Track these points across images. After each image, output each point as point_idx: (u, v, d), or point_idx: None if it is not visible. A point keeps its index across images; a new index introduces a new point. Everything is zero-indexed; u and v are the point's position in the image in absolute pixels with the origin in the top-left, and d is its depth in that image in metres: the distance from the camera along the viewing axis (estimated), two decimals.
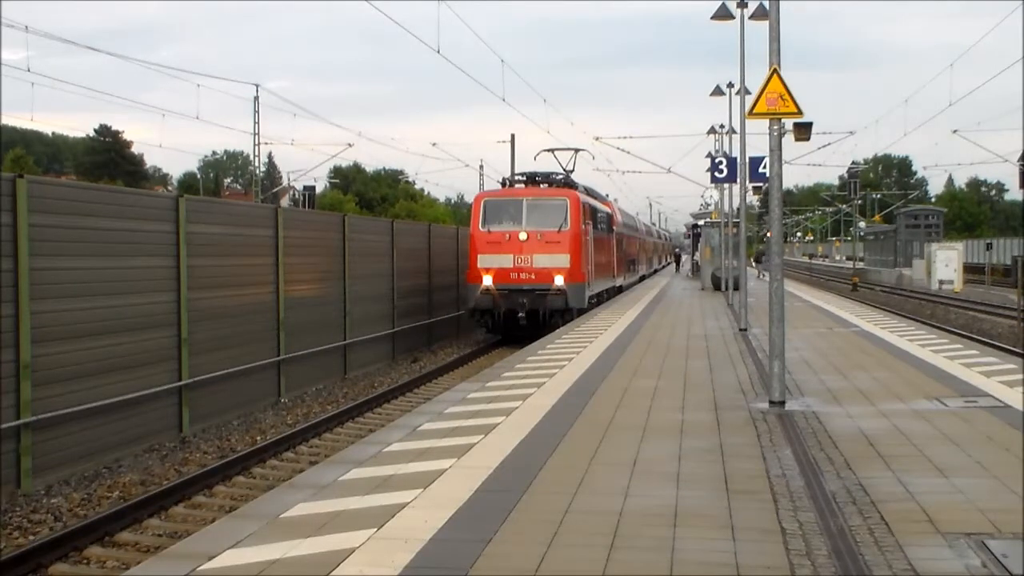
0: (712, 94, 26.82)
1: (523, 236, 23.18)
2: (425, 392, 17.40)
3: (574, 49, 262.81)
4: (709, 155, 31.60)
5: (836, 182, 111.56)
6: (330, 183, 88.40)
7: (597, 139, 41.61)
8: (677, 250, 78.31)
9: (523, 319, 22.95)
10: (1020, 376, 11.38)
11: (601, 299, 28.47)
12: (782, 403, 9.58)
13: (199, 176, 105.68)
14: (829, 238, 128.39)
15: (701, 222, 45.55)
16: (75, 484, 10.53)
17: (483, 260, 23.30)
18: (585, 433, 8.34)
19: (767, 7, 10.78)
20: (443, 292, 26.38)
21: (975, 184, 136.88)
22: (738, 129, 21.76)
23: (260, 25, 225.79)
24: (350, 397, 16.89)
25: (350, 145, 51.12)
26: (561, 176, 26.85)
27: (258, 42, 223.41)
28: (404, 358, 22.52)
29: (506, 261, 23.19)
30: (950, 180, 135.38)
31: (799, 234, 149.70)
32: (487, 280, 23.05)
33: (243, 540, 5.35)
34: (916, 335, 17.23)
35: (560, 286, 22.98)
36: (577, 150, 29.33)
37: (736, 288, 24.14)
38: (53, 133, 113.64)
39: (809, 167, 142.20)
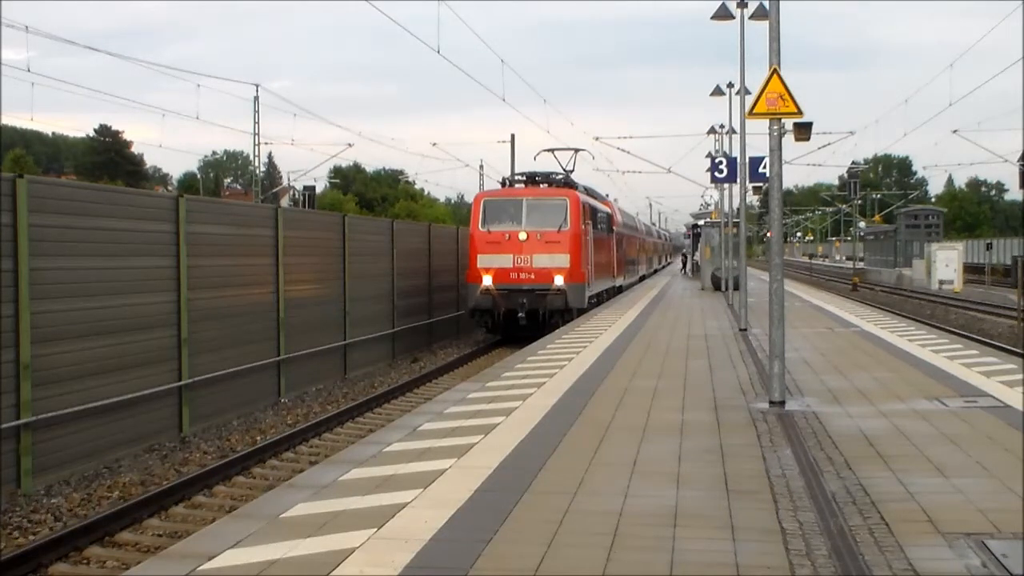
0: (712, 94, 26.84)
1: (523, 236, 23.17)
2: (425, 392, 17.40)
3: (574, 49, 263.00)
4: (709, 155, 31.64)
5: (836, 182, 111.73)
6: (330, 183, 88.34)
7: (597, 139, 41.79)
8: (684, 251, 78.20)
9: (523, 319, 22.94)
10: (1020, 376, 11.37)
11: (601, 299, 28.47)
12: (782, 403, 9.58)
13: (199, 176, 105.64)
14: (829, 238, 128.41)
15: (701, 222, 45.57)
16: (75, 484, 10.52)
17: (483, 260, 23.29)
18: (585, 433, 8.33)
19: (767, 7, 10.79)
20: (443, 292, 26.37)
21: (975, 184, 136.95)
22: (738, 129, 21.78)
23: (261, 25, 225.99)
24: (350, 397, 16.88)
25: (350, 145, 51.29)
26: (561, 176, 26.84)
27: (259, 42, 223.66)
28: (404, 358, 22.52)
29: (506, 261, 23.18)
30: (950, 180, 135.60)
31: (799, 234, 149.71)
32: (487, 280, 23.04)
33: (243, 540, 5.35)
34: (916, 335, 17.23)
35: (560, 286, 22.97)
36: (577, 150, 29.34)
37: (736, 288, 24.14)
38: (53, 133, 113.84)
39: (809, 167, 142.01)
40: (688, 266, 60.50)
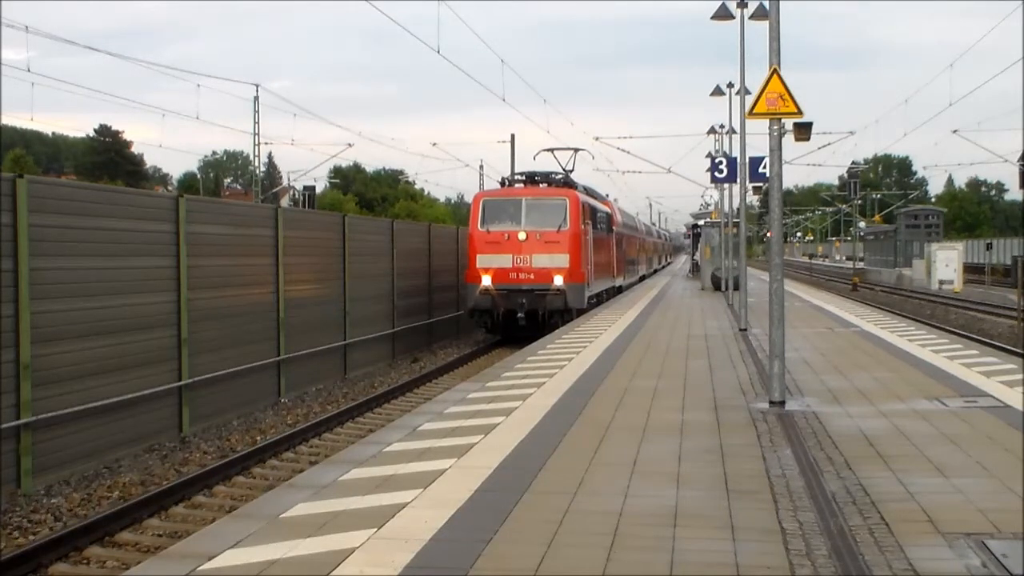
0: (712, 94, 26.83)
1: (522, 236, 23.14)
2: (425, 392, 17.40)
3: (574, 49, 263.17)
4: (709, 155, 31.64)
5: (836, 182, 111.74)
6: (330, 183, 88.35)
7: (597, 139, 41.72)
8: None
9: (522, 319, 22.91)
10: (1020, 376, 11.37)
11: (601, 299, 28.45)
12: (782, 403, 9.58)
13: (199, 176, 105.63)
14: (829, 238, 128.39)
15: (701, 222, 45.57)
16: (75, 484, 10.52)
17: (482, 260, 23.26)
18: (585, 433, 8.33)
19: (767, 7, 10.79)
20: (443, 292, 26.37)
21: (975, 184, 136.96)
22: (738, 129, 21.78)
23: (260, 25, 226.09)
24: (350, 397, 16.88)
25: (350, 145, 51.35)
26: (560, 176, 26.81)
27: (259, 42, 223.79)
28: (404, 358, 22.51)
29: (505, 261, 23.15)
30: (950, 180, 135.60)
31: (799, 234, 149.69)
32: (486, 280, 23.01)
33: (243, 540, 5.35)
34: (916, 335, 17.23)
35: (559, 286, 22.95)
36: (577, 150, 29.33)
37: (736, 288, 24.14)
38: (53, 133, 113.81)
39: (809, 167, 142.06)
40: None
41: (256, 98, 46.19)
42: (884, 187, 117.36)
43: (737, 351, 14.91)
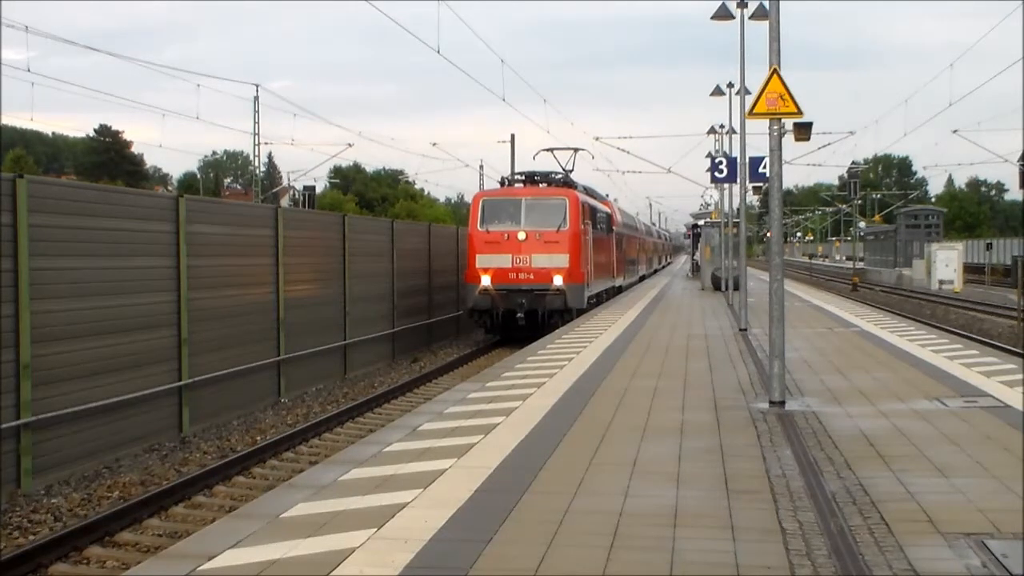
0: (712, 94, 26.84)
1: (522, 236, 23.12)
2: (425, 392, 17.39)
3: (574, 49, 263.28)
4: (709, 155, 31.64)
5: (836, 182, 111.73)
6: (330, 183, 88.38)
7: (597, 139, 41.58)
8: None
9: (522, 319, 22.89)
10: (1020, 376, 11.37)
11: (600, 299, 28.45)
12: (782, 403, 9.58)
13: (199, 176, 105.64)
14: (829, 238, 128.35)
15: (701, 222, 45.57)
16: (75, 484, 10.52)
17: (481, 260, 23.24)
18: (585, 433, 8.33)
19: (767, 7, 10.80)
20: (443, 292, 26.37)
21: (975, 184, 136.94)
22: (738, 129, 21.78)
23: (260, 25, 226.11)
24: (350, 397, 16.88)
25: (350, 145, 51.31)
26: (560, 176, 26.79)
27: (259, 42, 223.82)
28: (404, 358, 22.51)
29: (505, 261, 23.12)
30: (950, 180, 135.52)
31: (799, 234, 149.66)
32: (485, 280, 22.99)
33: (243, 540, 5.35)
34: (916, 335, 17.23)
35: (559, 286, 22.93)
36: (576, 150, 29.31)
37: (736, 288, 24.14)
38: (53, 133, 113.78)
39: (809, 167, 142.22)
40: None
41: (256, 98, 46.24)
42: (884, 187, 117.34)
43: (737, 351, 14.91)
